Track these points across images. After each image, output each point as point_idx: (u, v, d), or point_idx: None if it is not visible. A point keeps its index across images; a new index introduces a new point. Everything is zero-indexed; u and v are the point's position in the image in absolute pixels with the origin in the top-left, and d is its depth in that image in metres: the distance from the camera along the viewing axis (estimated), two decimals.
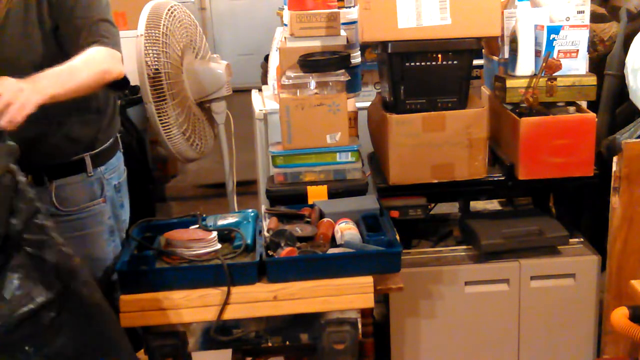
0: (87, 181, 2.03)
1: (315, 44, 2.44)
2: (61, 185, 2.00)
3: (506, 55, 2.41)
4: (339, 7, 2.61)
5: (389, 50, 2.22)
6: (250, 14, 7.21)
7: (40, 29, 1.88)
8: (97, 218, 2.05)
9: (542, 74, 2.26)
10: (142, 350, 1.95)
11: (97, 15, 1.90)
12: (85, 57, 1.81)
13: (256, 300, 1.85)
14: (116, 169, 2.13)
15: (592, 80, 2.30)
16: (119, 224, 2.14)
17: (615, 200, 2.31)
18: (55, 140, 1.95)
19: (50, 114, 1.84)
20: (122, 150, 2.21)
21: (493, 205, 2.87)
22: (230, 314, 1.84)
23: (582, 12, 2.31)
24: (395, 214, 2.33)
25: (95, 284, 1.64)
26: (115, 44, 1.90)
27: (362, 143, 2.44)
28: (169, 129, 2.80)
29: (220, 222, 2.08)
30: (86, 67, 1.80)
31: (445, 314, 2.41)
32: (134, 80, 2.83)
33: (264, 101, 3.01)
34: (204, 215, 2.10)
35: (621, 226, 2.32)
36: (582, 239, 2.50)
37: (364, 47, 2.70)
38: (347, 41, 2.50)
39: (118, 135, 2.18)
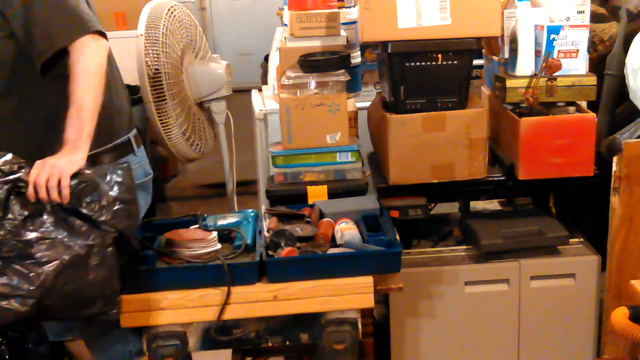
0: None
1: (315, 44, 2.44)
2: None
3: (506, 55, 2.41)
4: (339, 7, 2.61)
5: (389, 50, 2.22)
6: (250, 14, 7.22)
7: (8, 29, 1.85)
8: None
9: (542, 74, 2.26)
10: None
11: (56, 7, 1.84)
12: (79, 81, 1.82)
13: (256, 300, 1.85)
14: None
15: (592, 80, 2.30)
16: None
17: (615, 200, 2.31)
18: (57, 149, 1.89)
19: (51, 126, 1.88)
20: (120, 158, 2.09)
21: (493, 205, 2.87)
22: (230, 314, 1.84)
23: (582, 12, 2.31)
24: (395, 214, 2.33)
25: None
26: (84, 29, 1.84)
27: (362, 143, 2.44)
28: (169, 129, 2.80)
29: (220, 222, 2.08)
30: (89, 91, 1.83)
31: (445, 314, 2.41)
32: (134, 80, 2.84)
33: (264, 101, 3.01)
34: (204, 215, 2.10)
35: (621, 226, 2.32)
36: (582, 239, 2.50)
37: (364, 47, 2.70)
38: (347, 41, 2.50)
39: (118, 141, 2.09)
